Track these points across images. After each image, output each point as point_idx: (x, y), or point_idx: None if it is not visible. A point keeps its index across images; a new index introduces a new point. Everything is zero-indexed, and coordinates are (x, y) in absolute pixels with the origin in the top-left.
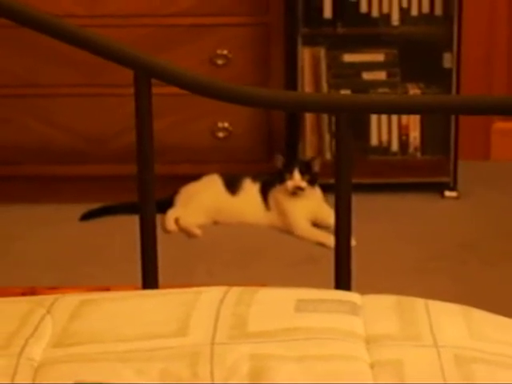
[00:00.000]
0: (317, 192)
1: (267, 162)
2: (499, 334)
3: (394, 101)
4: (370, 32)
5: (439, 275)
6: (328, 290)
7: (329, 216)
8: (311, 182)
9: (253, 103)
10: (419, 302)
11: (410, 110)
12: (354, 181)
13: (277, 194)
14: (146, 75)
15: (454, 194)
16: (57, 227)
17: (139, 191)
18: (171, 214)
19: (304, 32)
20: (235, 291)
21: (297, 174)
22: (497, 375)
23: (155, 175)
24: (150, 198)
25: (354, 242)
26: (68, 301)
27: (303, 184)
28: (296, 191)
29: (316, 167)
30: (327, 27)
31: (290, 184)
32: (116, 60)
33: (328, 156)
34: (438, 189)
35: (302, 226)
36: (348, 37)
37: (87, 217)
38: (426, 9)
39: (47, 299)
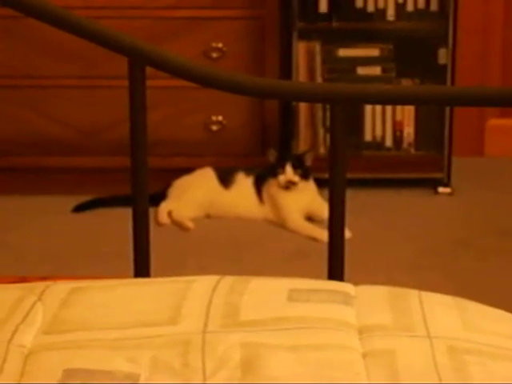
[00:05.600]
0: (311, 186)
1: (260, 155)
2: (492, 325)
3: (390, 91)
4: (365, 27)
5: (432, 271)
6: (321, 280)
7: (322, 210)
8: (304, 176)
9: (248, 92)
10: (413, 294)
11: (405, 100)
12: (348, 176)
13: (270, 187)
14: (140, 62)
15: (447, 190)
16: (49, 219)
17: (132, 183)
18: (164, 207)
19: (299, 26)
20: (228, 280)
21: (289, 169)
22: (490, 366)
23: (148, 168)
24: (143, 190)
25: (349, 234)
26: (59, 288)
27: (295, 178)
28: (288, 185)
29: (308, 161)
30: (323, 22)
31: (282, 178)
32: (111, 47)
33: (322, 150)
34: (432, 185)
35: (295, 219)
36: (343, 31)
37: (80, 209)
38: (421, 4)
39: (38, 286)
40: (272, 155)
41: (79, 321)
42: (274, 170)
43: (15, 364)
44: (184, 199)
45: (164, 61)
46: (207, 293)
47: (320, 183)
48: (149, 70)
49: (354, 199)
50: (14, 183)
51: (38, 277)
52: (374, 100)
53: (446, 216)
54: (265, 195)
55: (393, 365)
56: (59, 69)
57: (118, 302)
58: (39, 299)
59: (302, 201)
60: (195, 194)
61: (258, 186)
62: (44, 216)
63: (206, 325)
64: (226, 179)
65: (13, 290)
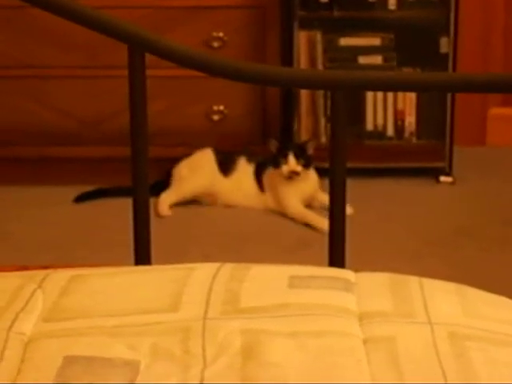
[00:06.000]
0: (312, 175)
1: (262, 145)
2: (493, 311)
3: (391, 78)
4: (366, 16)
5: (433, 260)
6: (321, 267)
7: (324, 198)
8: (306, 166)
9: (249, 79)
10: (413, 280)
11: (406, 87)
12: (350, 165)
13: (272, 177)
14: (140, 49)
15: (449, 179)
16: (51, 209)
17: (132, 173)
18: (165, 199)
19: (300, 15)
20: (228, 267)
21: (292, 159)
22: (491, 352)
23: (150, 158)
24: (143, 180)
25: (350, 210)
26: (59, 276)
27: (299, 168)
28: (292, 176)
29: (310, 150)
30: (324, 11)
31: (285, 169)
32: (110, 34)
33: (323, 140)
34: (434, 174)
35: (295, 207)
36: (344, 20)
37: (81, 199)
38: None
39: (38, 274)
40: (273, 145)
41: (79, 308)
42: (275, 160)
43: (15, 351)
44: (184, 187)
45: (163, 47)
46: (208, 280)
47: (321, 172)
48: (150, 59)
49: (355, 188)
50: (16, 173)
51: (39, 266)
52: (375, 86)
53: (447, 205)
54: (266, 184)
55: (393, 351)
56: (61, 59)
57: (118, 290)
58: (39, 287)
59: (304, 189)
60: (195, 180)
61: (259, 174)
62: (45, 206)
63: (206, 312)
64: (226, 166)
65: (13, 278)
